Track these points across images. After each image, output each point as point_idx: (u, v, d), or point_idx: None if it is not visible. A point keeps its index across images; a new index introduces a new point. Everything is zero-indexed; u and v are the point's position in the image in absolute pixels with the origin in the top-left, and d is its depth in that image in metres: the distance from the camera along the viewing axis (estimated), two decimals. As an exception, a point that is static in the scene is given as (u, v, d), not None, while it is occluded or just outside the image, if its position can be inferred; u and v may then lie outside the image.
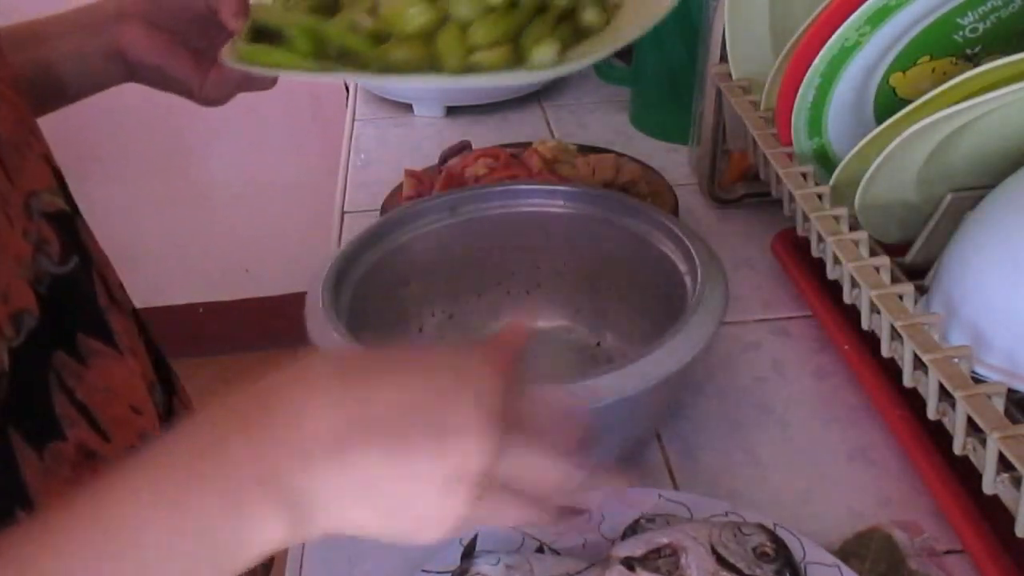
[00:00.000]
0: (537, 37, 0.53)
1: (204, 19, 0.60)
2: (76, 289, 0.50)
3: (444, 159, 0.83)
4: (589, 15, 0.54)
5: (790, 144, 0.65)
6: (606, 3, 0.56)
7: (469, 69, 0.53)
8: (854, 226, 0.58)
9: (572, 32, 0.55)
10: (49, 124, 0.55)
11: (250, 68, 0.56)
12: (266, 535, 0.32)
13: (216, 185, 2.01)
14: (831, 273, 0.60)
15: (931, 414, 0.49)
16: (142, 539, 0.31)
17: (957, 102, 0.50)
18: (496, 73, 0.53)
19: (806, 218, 0.61)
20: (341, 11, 0.56)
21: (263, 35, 0.57)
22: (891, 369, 0.54)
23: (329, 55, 0.56)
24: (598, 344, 0.67)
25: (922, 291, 0.56)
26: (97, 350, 0.50)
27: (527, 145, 0.84)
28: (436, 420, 0.32)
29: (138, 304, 0.59)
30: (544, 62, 0.52)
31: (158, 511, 0.31)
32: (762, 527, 0.47)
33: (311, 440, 0.32)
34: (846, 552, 0.49)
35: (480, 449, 0.32)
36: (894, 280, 0.54)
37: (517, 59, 0.53)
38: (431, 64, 0.53)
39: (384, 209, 0.81)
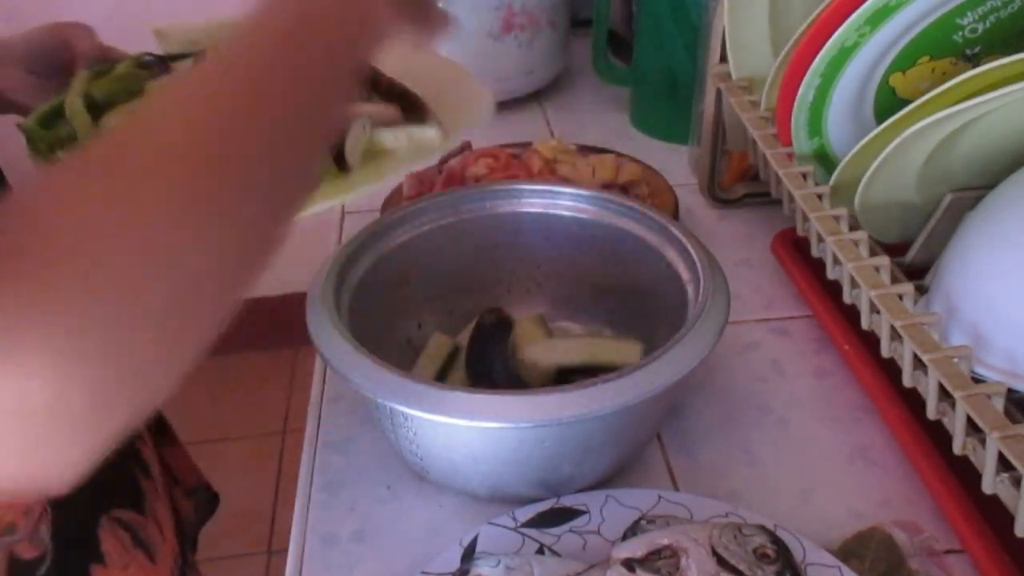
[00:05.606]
0: None
1: (70, 65, 0.67)
2: None
3: (444, 159, 0.83)
4: None
5: (790, 144, 0.65)
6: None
7: None
8: (854, 226, 0.58)
9: None
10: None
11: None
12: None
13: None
14: (831, 273, 0.60)
15: (931, 414, 0.49)
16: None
17: (957, 102, 0.50)
18: None
19: (806, 218, 0.61)
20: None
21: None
22: (891, 369, 0.54)
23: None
24: (598, 344, 0.67)
25: (922, 291, 0.57)
26: None
27: (527, 145, 0.84)
28: None
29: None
30: None
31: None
32: (763, 528, 0.47)
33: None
34: (846, 552, 0.49)
35: None
36: (894, 280, 0.54)
37: None
38: None
39: (384, 209, 0.81)
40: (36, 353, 0.26)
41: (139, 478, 0.62)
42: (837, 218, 0.59)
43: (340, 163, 0.57)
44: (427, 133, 0.59)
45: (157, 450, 0.71)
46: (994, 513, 0.46)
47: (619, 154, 0.84)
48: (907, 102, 0.54)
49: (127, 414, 0.29)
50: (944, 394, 0.47)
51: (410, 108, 0.61)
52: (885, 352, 0.53)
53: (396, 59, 0.67)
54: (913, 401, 0.53)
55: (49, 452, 0.27)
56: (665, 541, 0.45)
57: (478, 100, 0.64)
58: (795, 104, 0.62)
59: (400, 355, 0.63)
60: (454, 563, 0.48)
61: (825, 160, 0.66)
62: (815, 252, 0.62)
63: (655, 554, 0.45)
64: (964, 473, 0.49)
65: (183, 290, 0.29)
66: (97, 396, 0.27)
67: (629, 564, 0.44)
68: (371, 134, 0.59)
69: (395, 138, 0.59)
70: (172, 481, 0.75)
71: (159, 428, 0.76)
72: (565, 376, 0.60)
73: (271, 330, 2.11)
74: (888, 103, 0.61)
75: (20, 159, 0.60)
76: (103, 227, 0.28)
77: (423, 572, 0.48)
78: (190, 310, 0.30)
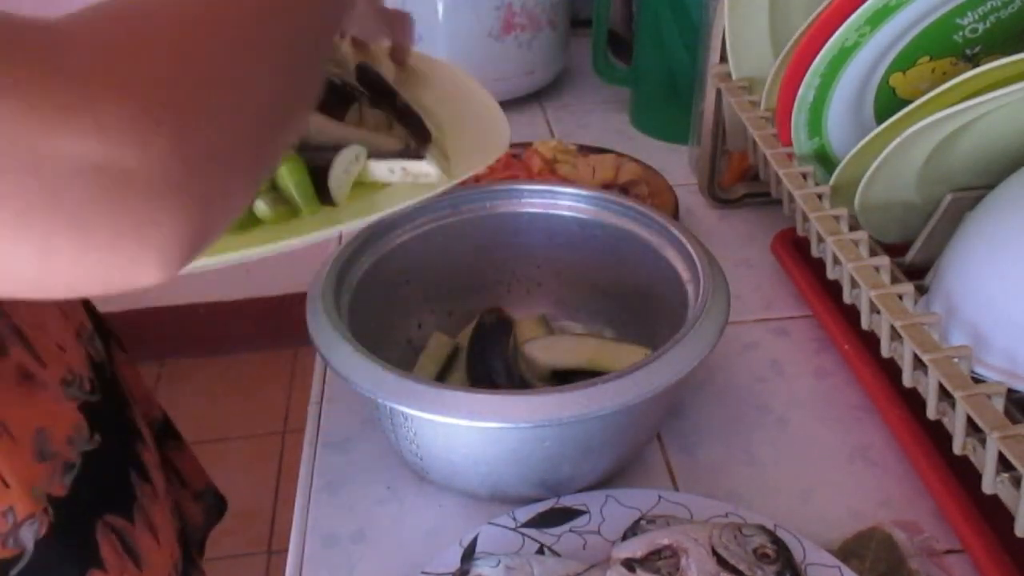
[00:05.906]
0: None
1: None
2: None
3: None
4: (260, 206, 0.50)
5: (790, 144, 0.65)
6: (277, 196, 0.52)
7: None
8: (854, 226, 0.58)
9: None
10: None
11: None
12: None
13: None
14: (831, 273, 0.60)
15: (931, 414, 0.49)
16: None
17: (957, 102, 0.50)
18: None
19: (806, 218, 0.61)
20: None
21: None
22: (891, 369, 0.54)
23: None
24: (598, 344, 0.67)
25: (922, 291, 0.57)
26: None
27: (527, 145, 0.84)
28: None
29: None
30: None
31: None
32: (763, 528, 0.47)
33: None
34: (846, 552, 0.49)
35: None
36: (894, 280, 0.54)
37: None
38: None
39: (384, 209, 0.81)
40: (114, 106, 0.25)
41: (136, 484, 0.62)
42: (837, 218, 0.59)
43: (324, 195, 0.51)
44: (425, 169, 0.53)
45: (164, 453, 0.71)
46: (994, 513, 0.46)
47: (619, 154, 0.84)
48: (907, 102, 0.54)
49: (213, 193, 0.28)
50: (944, 394, 0.47)
51: (417, 138, 0.56)
52: (885, 352, 0.53)
53: (426, 81, 0.63)
54: (913, 401, 0.53)
55: (140, 226, 0.26)
56: (665, 541, 0.45)
57: (492, 141, 0.57)
58: (795, 104, 0.62)
59: (400, 355, 0.63)
60: (454, 563, 0.48)
61: (825, 160, 0.66)
62: (815, 252, 0.62)
63: (655, 554, 0.45)
64: (964, 473, 0.49)
65: (258, 61, 0.30)
66: (183, 157, 0.26)
67: (629, 564, 0.44)
68: (364, 164, 0.53)
69: (390, 171, 0.53)
70: (180, 484, 0.74)
71: (167, 431, 0.76)
72: (565, 376, 0.61)
73: (271, 330, 2.11)
74: (888, 103, 0.61)
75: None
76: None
77: (423, 572, 0.48)
78: (266, 87, 0.30)
